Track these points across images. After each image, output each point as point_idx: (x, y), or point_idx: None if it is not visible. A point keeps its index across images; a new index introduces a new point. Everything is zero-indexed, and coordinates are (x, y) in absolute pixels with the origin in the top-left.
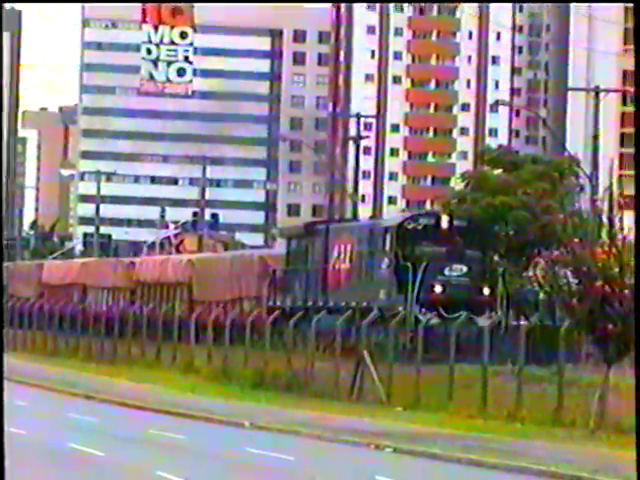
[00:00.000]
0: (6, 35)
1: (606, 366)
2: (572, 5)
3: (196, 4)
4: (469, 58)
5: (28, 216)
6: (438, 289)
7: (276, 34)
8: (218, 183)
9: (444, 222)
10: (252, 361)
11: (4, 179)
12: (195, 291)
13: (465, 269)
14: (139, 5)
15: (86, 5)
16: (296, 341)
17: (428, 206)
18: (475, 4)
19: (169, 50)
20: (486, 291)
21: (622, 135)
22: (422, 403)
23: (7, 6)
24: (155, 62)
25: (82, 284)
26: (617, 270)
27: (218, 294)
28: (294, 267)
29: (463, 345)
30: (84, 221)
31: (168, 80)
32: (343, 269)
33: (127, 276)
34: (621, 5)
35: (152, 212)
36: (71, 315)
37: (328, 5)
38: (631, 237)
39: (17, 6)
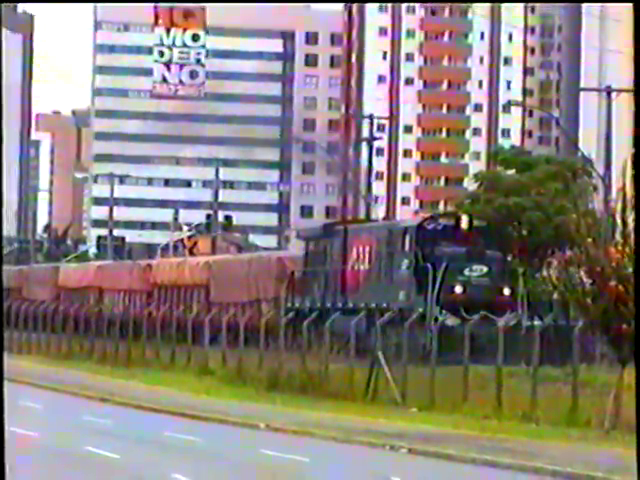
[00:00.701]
0: (18, 38)
1: (620, 366)
2: (584, 5)
3: (208, 5)
4: (481, 59)
5: (42, 219)
6: (458, 290)
7: (288, 36)
8: (231, 185)
9: (464, 222)
10: (267, 363)
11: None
12: (213, 293)
13: (485, 269)
14: (151, 7)
15: (98, 7)
16: (311, 342)
17: (441, 207)
18: (487, 4)
19: (181, 52)
20: (507, 291)
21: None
22: (437, 404)
23: (20, 9)
24: (167, 65)
25: (98, 287)
26: (631, 270)
27: (235, 296)
28: (312, 268)
29: (483, 346)
30: (98, 224)
31: (181, 82)
32: (362, 270)
33: (144, 279)
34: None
35: (165, 214)
36: (85, 318)
37: (340, 7)
38: None
39: (29, 9)
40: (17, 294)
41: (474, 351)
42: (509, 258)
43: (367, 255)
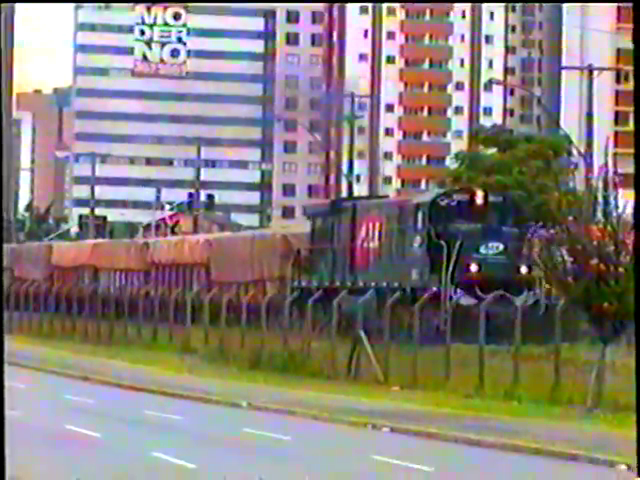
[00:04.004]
0: None
1: (602, 344)
2: None
3: None
4: (462, 37)
5: (23, 198)
6: (474, 268)
7: (269, 15)
8: (213, 164)
9: (479, 198)
10: (249, 341)
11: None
12: (213, 272)
13: (502, 247)
14: None
15: None
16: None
17: (423, 186)
18: None
19: (162, 31)
20: (524, 269)
21: (616, 113)
22: (419, 382)
23: None
24: (149, 43)
25: (93, 266)
26: (612, 248)
27: (238, 275)
28: (319, 247)
29: (499, 326)
30: (79, 203)
31: (162, 61)
32: (372, 248)
33: (141, 258)
34: None
35: (147, 193)
36: (77, 298)
37: None
38: (625, 214)
39: None
40: (9, 273)
41: (490, 332)
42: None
43: (377, 232)
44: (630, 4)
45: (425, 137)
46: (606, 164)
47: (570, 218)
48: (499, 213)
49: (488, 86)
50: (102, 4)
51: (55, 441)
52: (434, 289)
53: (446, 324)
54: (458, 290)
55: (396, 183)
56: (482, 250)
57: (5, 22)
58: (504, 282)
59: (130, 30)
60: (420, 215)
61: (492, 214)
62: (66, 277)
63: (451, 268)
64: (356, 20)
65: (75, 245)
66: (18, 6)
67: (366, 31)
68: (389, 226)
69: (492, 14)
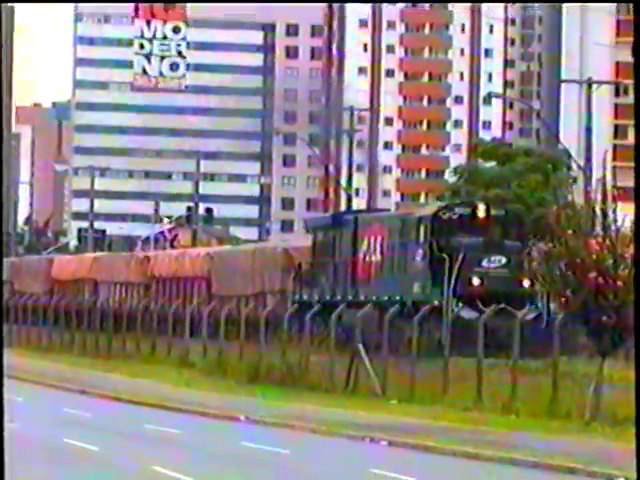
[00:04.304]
0: None
1: (600, 358)
2: None
3: None
4: (462, 51)
5: (22, 211)
6: (476, 281)
7: (268, 28)
8: (212, 177)
9: (481, 211)
10: (247, 355)
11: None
12: (214, 285)
13: (504, 260)
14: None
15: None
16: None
17: (422, 199)
18: None
19: (162, 45)
20: (526, 283)
21: (615, 126)
22: (417, 396)
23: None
24: (148, 57)
25: (93, 279)
26: (611, 262)
27: (239, 289)
28: (321, 260)
29: (501, 339)
30: (78, 216)
31: (161, 75)
32: (374, 261)
33: (141, 271)
34: None
35: (146, 207)
36: (77, 311)
37: None
38: (624, 228)
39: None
40: (9, 287)
41: (492, 345)
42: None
43: (379, 246)
44: (626, 10)
45: (424, 150)
46: (604, 177)
47: (569, 232)
48: (501, 226)
49: (487, 99)
50: (102, 17)
51: (53, 454)
52: (435, 303)
53: (447, 337)
54: (460, 304)
55: (395, 196)
56: (484, 264)
57: (5, 36)
58: (506, 296)
59: (129, 44)
60: (422, 228)
61: (494, 227)
62: (66, 290)
63: (453, 281)
64: (355, 33)
65: (75, 258)
66: (17, 20)
67: (365, 44)
68: (391, 239)
69: (492, 27)
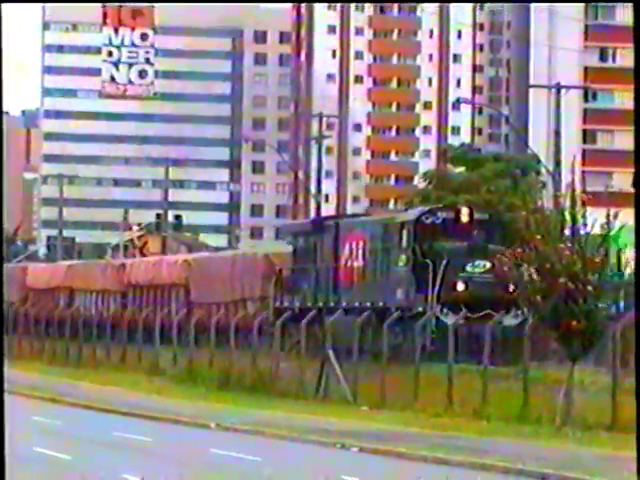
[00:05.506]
0: None
1: (571, 363)
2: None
3: (156, 4)
4: (430, 56)
5: None
6: (460, 287)
7: (236, 35)
8: (181, 184)
9: (464, 215)
10: (218, 362)
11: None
12: (193, 293)
13: (488, 265)
14: (99, 7)
15: (46, 7)
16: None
17: (392, 205)
18: (436, 3)
19: (130, 52)
20: (512, 288)
21: (584, 131)
22: (388, 402)
23: None
24: (116, 64)
25: (69, 287)
26: (580, 266)
27: (218, 296)
28: (302, 266)
29: (485, 345)
30: (47, 224)
31: (130, 82)
32: (356, 267)
33: (117, 279)
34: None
35: (115, 214)
36: (35, 318)
37: (288, 5)
38: (592, 232)
39: None
40: None
41: (476, 351)
42: None
43: (361, 251)
44: (593, 15)
45: (393, 156)
46: (574, 182)
47: (538, 237)
48: (485, 231)
49: (456, 105)
50: (69, 25)
51: (23, 464)
52: (419, 309)
53: (433, 343)
54: (444, 309)
55: (364, 202)
56: (468, 268)
57: None
58: (491, 301)
59: (98, 51)
60: (405, 233)
61: (478, 232)
62: (42, 299)
63: (437, 287)
64: (324, 39)
65: (49, 267)
66: None
67: (334, 51)
68: (373, 244)
69: (460, 33)
